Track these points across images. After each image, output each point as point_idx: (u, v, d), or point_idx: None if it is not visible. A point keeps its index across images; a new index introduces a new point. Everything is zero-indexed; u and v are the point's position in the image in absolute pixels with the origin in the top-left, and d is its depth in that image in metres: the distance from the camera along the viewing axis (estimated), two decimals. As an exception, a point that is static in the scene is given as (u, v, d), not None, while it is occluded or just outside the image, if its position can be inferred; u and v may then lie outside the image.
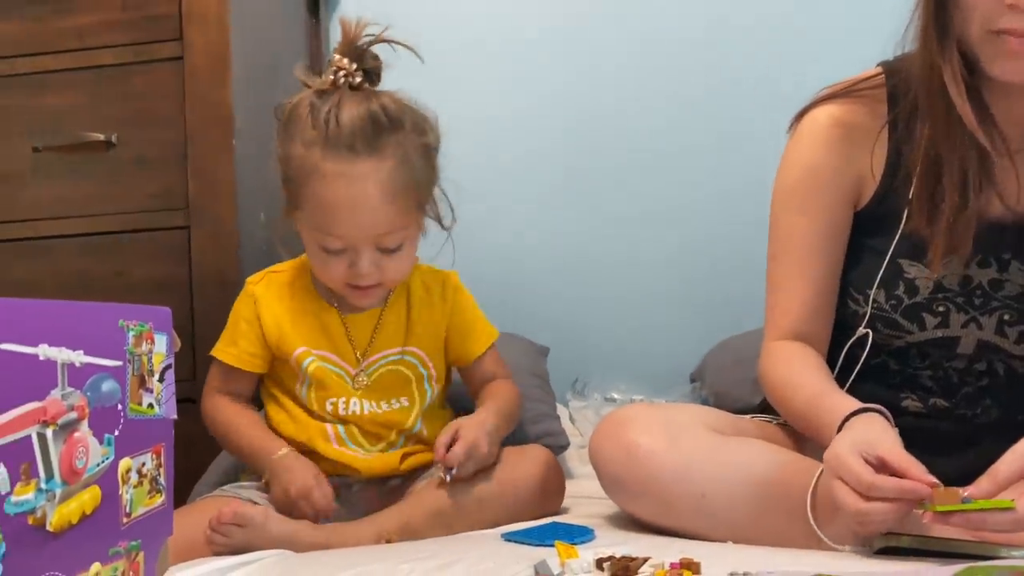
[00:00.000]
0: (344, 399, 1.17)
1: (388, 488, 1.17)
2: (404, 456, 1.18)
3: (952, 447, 0.99)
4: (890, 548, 0.86)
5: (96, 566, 0.60)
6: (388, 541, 1.03)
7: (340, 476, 1.16)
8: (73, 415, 0.57)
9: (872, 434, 0.86)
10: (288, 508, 1.08)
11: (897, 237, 1.01)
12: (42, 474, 0.55)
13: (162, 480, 0.68)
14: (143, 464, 0.65)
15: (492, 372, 1.26)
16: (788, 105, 1.09)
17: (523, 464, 1.13)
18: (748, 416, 1.14)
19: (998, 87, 0.96)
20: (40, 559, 0.55)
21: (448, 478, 1.08)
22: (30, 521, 0.54)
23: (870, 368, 1.04)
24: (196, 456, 1.26)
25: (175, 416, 0.69)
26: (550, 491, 1.15)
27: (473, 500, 1.08)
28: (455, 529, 1.06)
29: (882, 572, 0.78)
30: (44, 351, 0.55)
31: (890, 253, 1.01)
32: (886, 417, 0.91)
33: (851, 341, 1.05)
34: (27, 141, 1.51)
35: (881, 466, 0.84)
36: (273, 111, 1.16)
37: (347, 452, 1.16)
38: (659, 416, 1.01)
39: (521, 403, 1.28)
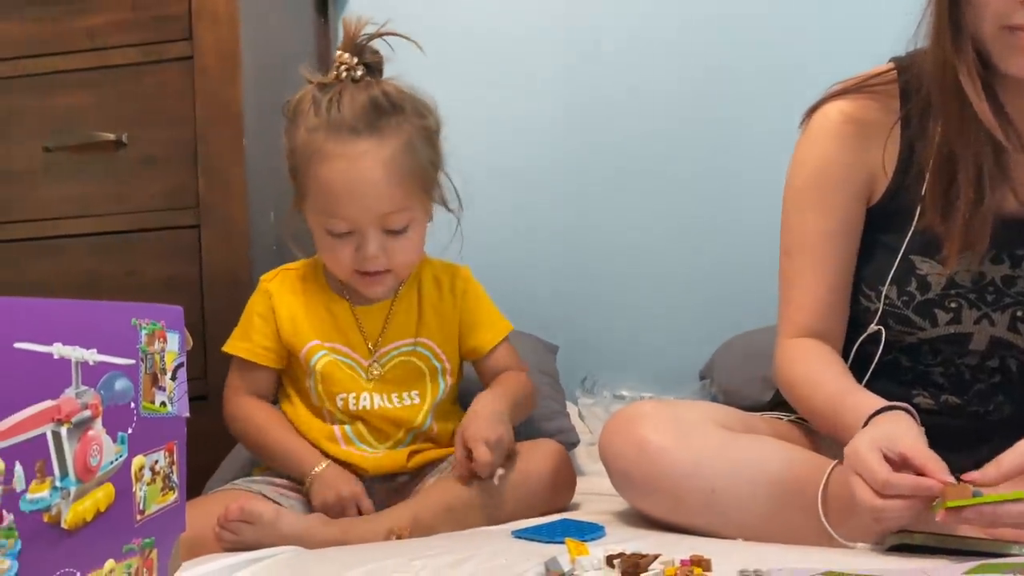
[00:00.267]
0: (354, 394, 1.18)
1: (396, 485, 1.17)
2: (411, 454, 1.18)
3: (964, 444, 0.99)
4: (902, 545, 0.85)
5: (110, 563, 0.60)
6: (399, 537, 1.03)
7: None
8: (87, 413, 0.58)
9: (895, 430, 0.86)
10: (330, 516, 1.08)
11: (910, 233, 1.01)
12: (57, 472, 0.55)
13: (175, 477, 0.68)
14: (156, 462, 0.65)
15: (506, 365, 1.25)
16: (798, 102, 1.08)
17: (535, 458, 1.13)
18: (759, 413, 1.14)
19: (1011, 83, 0.96)
20: (55, 556, 0.55)
21: (496, 481, 1.08)
22: (45, 519, 0.54)
23: (882, 365, 1.04)
24: (208, 453, 1.27)
25: (187, 414, 0.69)
26: (561, 485, 1.15)
27: (485, 494, 1.08)
28: (467, 523, 1.06)
29: (894, 570, 0.78)
30: (58, 350, 0.55)
31: (903, 249, 1.01)
32: (911, 415, 0.90)
33: (863, 338, 1.05)
34: (38, 141, 1.52)
35: (902, 462, 0.83)
36: (281, 109, 1.17)
37: (354, 452, 1.17)
38: (669, 412, 1.01)
39: (533, 393, 1.28)
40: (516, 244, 1.82)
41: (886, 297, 1.02)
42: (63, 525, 0.56)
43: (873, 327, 1.03)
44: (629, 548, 0.83)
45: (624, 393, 1.70)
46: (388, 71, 1.17)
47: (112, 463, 0.60)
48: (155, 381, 0.65)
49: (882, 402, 0.91)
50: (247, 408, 1.19)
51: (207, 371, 1.39)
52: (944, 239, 0.98)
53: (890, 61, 1.06)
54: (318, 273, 1.23)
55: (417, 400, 1.19)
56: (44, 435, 0.54)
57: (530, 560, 0.84)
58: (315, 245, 1.19)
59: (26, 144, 1.52)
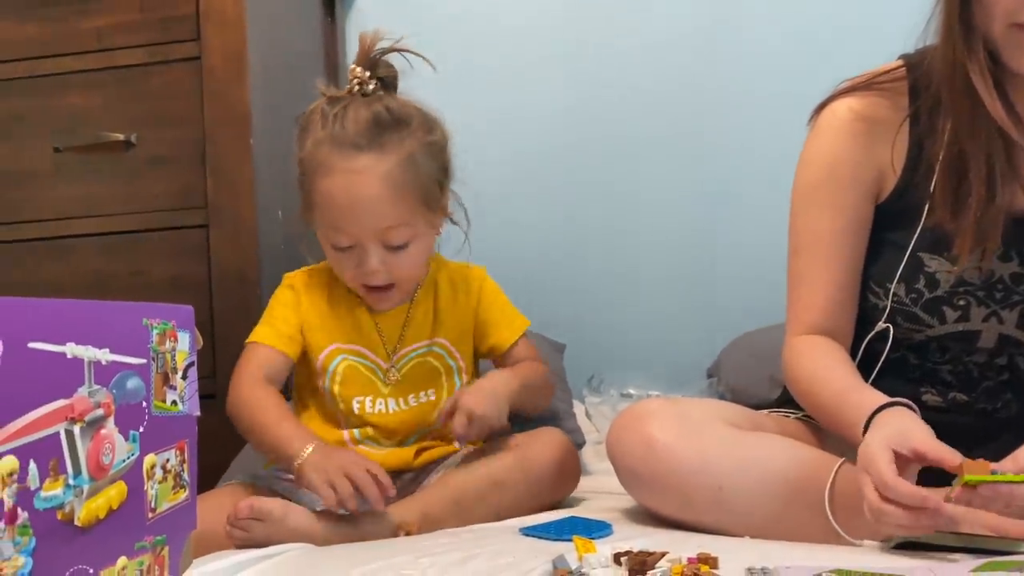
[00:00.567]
0: (371, 398, 1.18)
1: (402, 482, 1.17)
2: (418, 452, 1.19)
3: (972, 442, 0.98)
4: (909, 543, 0.85)
5: (123, 560, 0.61)
6: (407, 533, 1.04)
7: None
8: (99, 412, 0.58)
9: (907, 427, 0.86)
10: (336, 495, 1.01)
11: (918, 231, 1.01)
12: (70, 470, 0.56)
13: (186, 476, 0.68)
14: (167, 460, 0.66)
15: (525, 358, 1.27)
16: (806, 98, 1.08)
17: (539, 447, 1.14)
18: (765, 411, 1.14)
19: (1020, 80, 0.95)
20: (69, 553, 0.56)
21: (459, 445, 1.12)
22: (59, 516, 0.55)
23: (890, 362, 1.04)
24: (219, 452, 1.28)
25: (198, 413, 0.70)
26: (567, 473, 1.16)
27: (492, 485, 1.09)
28: (474, 516, 1.07)
29: (901, 567, 0.78)
30: (71, 350, 0.56)
31: (911, 247, 1.01)
32: (912, 410, 0.90)
33: (871, 335, 1.05)
34: (48, 142, 1.52)
35: (917, 458, 0.83)
36: (295, 118, 1.18)
37: (361, 449, 1.18)
38: (677, 410, 1.01)
39: (550, 384, 1.28)
40: (522, 243, 1.82)
41: (894, 294, 1.02)
42: (76, 523, 0.56)
43: (881, 325, 1.03)
44: (636, 546, 0.83)
45: (631, 391, 1.70)
46: (406, 77, 1.17)
47: (124, 461, 0.61)
48: (166, 380, 0.65)
49: (884, 399, 0.92)
50: (247, 391, 1.13)
51: (216, 370, 1.39)
52: (955, 237, 0.98)
53: (899, 58, 1.06)
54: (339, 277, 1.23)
55: (432, 397, 1.20)
56: (57, 434, 0.55)
57: (537, 558, 0.84)
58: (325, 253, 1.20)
59: (35, 145, 1.53)
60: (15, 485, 0.51)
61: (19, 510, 0.52)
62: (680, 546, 0.84)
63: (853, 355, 1.05)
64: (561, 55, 1.85)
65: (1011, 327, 1.01)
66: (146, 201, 1.51)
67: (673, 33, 1.81)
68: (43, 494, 0.54)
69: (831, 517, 0.89)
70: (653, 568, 0.79)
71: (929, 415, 0.90)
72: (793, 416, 1.11)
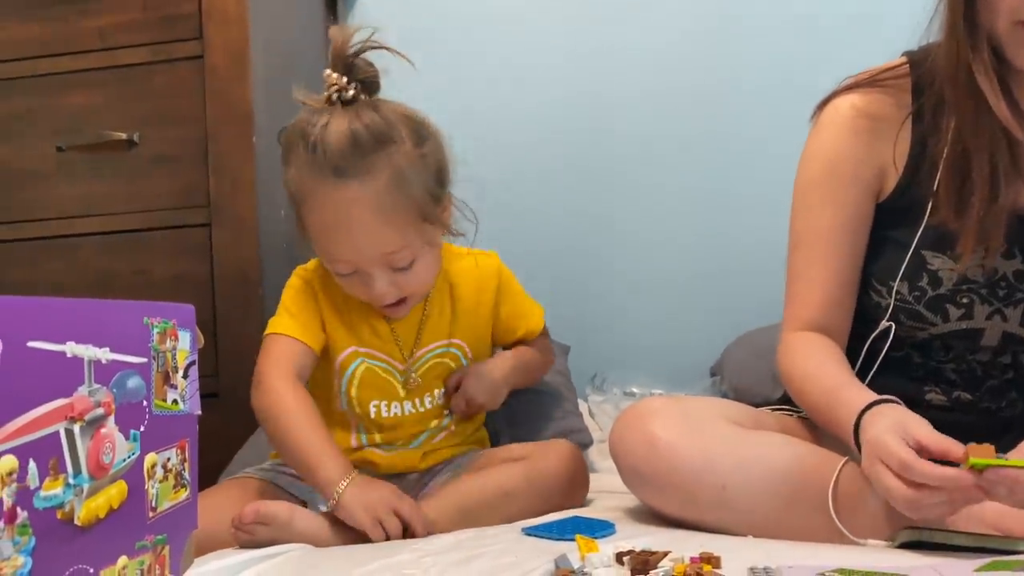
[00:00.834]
0: (387, 402, 1.17)
1: (407, 483, 1.17)
2: (425, 454, 1.19)
3: (976, 440, 0.98)
4: (913, 542, 0.85)
5: (123, 559, 0.61)
6: (412, 536, 1.03)
7: (359, 470, 1.16)
8: (100, 411, 0.58)
9: (907, 419, 0.85)
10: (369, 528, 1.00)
11: (921, 229, 1.00)
12: (70, 469, 0.56)
13: (187, 475, 0.68)
14: (168, 459, 0.66)
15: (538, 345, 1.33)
16: (808, 95, 1.08)
17: (549, 458, 1.13)
18: (767, 408, 1.14)
19: (1024, 79, 0.95)
20: (69, 553, 0.56)
21: (451, 410, 1.20)
22: (59, 515, 0.55)
23: (893, 361, 1.04)
24: (220, 451, 1.28)
25: (199, 412, 0.69)
26: (576, 484, 1.15)
27: (500, 494, 1.08)
28: (481, 523, 1.05)
29: (905, 566, 0.78)
30: (71, 348, 0.56)
31: (914, 245, 1.01)
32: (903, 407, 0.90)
33: (874, 334, 1.04)
34: (50, 141, 1.53)
35: (920, 450, 0.83)
36: (277, 137, 1.11)
37: (367, 449, 1.18)
38: (680, 408, 1.01)
39: (543, 361, 1.34)
40: (525, 242, 1.81)
41: (897, 293, 1.02)
42: (76, 522, 0.56)
43: (884, 323, 1.03)
44: (639, 545, 0.83)
45: (634, 390, 1.70)
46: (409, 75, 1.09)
47: (125, 461, 0.61)
48: (167, 379, 0.65)
49: (874, 396, 0.91)
50: (280, 391, 1.07)
51: (218, 369, 1.39)
52: (958, 236, 0.97)
53: (903, 55, 1.05)
54: None
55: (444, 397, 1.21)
56: (57, 433, 0.55)
57: (540, 557, 0.84)
58: None
59: (38, 144, 1.54)
60: (15, 484, 0.51)
61: (19, 509, 0.52)
62: (683, 545, 0.84)
63: (856, 353, 1.05)
64: (566, 50, 1.84)
65: (1015, 325, 1.01)
66: (148, 200, 1.51)
67: (675, 32, 1.81)
68: (43, 493, 0.53)
69: (834, 516, 0.89)
70: (655, 568, 0.79)
71: (933, 414, 0.90)
72: (795, 415, 1.11)
